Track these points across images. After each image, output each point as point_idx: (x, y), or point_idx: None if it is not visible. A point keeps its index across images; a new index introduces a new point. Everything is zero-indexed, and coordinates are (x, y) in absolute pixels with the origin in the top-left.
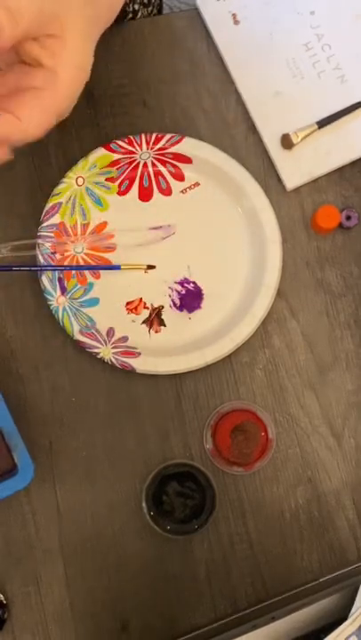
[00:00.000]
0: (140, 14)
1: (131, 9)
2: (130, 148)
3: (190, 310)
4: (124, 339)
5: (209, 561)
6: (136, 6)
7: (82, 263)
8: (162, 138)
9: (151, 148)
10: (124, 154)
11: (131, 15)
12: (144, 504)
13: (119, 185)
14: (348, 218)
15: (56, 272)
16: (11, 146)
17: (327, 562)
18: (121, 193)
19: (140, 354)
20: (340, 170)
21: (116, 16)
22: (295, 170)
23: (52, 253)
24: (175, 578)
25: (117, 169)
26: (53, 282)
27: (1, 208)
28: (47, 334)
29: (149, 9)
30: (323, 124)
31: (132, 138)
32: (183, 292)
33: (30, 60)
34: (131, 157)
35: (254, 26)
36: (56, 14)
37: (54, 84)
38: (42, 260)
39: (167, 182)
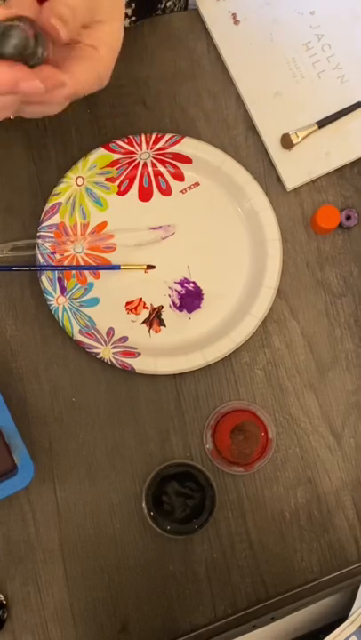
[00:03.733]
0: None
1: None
2: (130, 148)
3: (190, 310)
4: (124, 339)
5: (209, 561)
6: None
7: (82, 263)
8: (162, 138)
9: (151, 148)
10: (123, 154)
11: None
12: (144, 504)
13: (119, 185)
14: (348, 218)
15: (56, 272)
16: (66, 98)
17: (327, 562)
18: (121, 193)
19: (139, 354)
20: (340, 170)
21: None
22: (295, 170)
23: (51, 253)
24: (175, 578)
25: (117, 169)
26: (53, 282)
27: (1, 208)
28: (47, 334)
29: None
30: (323, 123)
31: (131, 138)
32: (183, 292)
33: (71, 41)
34: (131, 157)
35: (254, 26)
36: (93, 10)
37: (97, 54)
38: (42, 260)
39: (167, 182)
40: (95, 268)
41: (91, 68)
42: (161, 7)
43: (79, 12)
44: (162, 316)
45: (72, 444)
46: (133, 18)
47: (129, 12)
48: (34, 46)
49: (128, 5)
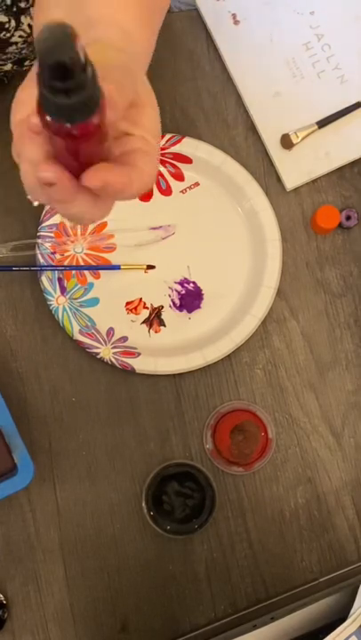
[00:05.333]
0: None
1: None
2: None
3: (190, 310)
4: (124, 339)
5: (209, 561)
6: None
7: (82, 263)
8: (162, 138)
9: None
10: None
11: None
12: (144, 504)
13: None
14: (348, 218)
15: (56, 272)
16: (124, 198)
17: (327, 562)
18: None
19: (139, 354)
20: (340, 170)
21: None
22: (295, 170)
23: (52, 253)
24: (175, 578)
25: None
26: (53, 282)
27: (1, 208)
28: (47, 334)
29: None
30: (323, 124)
31: None
32: (183, 292)
33: (117, 134)
34: None
35: (254, 26)
36: (135, 89)
37: (149, 145)
38: (42, 260)
39: (167, 182)
40: (95, 268)
41: (150, 162)
42: None
43: (126, 88)
44: (162, 316)
45: (72, 443)
46: None
47: None
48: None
49: None
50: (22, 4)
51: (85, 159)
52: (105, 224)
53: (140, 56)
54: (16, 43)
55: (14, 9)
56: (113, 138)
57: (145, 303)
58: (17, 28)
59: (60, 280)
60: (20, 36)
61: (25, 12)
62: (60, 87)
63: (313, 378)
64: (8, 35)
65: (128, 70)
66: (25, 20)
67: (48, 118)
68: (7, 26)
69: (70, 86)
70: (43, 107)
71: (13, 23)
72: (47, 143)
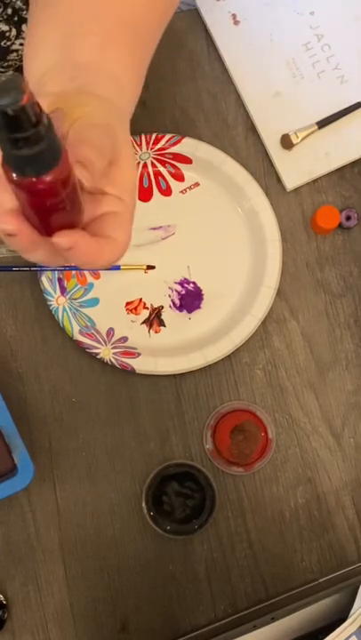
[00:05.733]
0: None
1: None
2: None
3: (190, 310)
4: (124, 339)
5: (209, 561)
6: None
7: None
8: (162, 138)
9: (151, 149)
10: None
11: None
12: (144, 504)
13: None
14: (348, 218)
15: (56, 272)
16: (94, 268)
17: (327, 562)
18: None
19: (139, 354)
20: (340, 170)
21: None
22: (295, 170)
23: None
24: (175, 578)
25: None
26: (53, 282)
27: None
28: (47, 334)
29: None
30: (323, 124)
31: (131, 138)
32: (183, 292)
33: (94, 190)
34: None
35: (254, 26)
36: (115, 147)
37: (124, 206)
38: None
39: (167, 182)
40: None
41: (124, 230)
42: None
43: (105, 149)
44: (162, 316)
45: (72, 443)
46: None
47: None
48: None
49: None
50: (23, 14)
51: (49, 214)
52: None
53: (125, 104)
54: (17, 50)
55: (15, 18)
56: (88, 194)
57: (145, 303)
58: (17, 36)
59: (60, 280)
60: (20, 44)
61: (26, 20)
62: (10, 137)
63: (313, 378)
64: (9, 43)
65: (110, 129)
66: (26, 28)
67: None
68: (8, 34)
69: (20, 137)
70: (3, 157)
71: (14, 32)
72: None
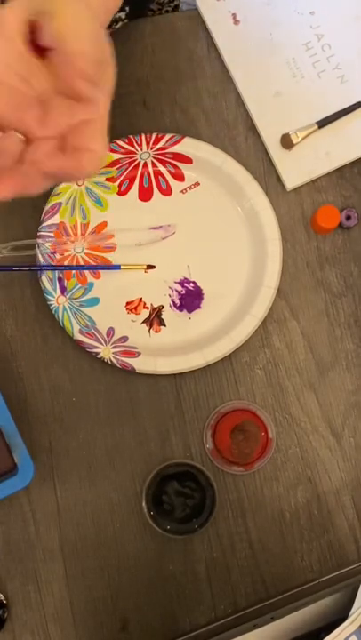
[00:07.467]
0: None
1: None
2: (130, 147)
3: (190, 310)
4: (124, 339)
5: (209, 560)
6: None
7: (82, 263)
8: (162, 138)
9: (151, 148)
10: (124, 154)
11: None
12: (144, 504)
13: (119, 185)
14: (348, 218)
15: (56, 272)
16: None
17: (327, 561)
18: (121, 193)
19: (139, 354)
20: (340, 170)
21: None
22: (295, 170)
23: (52, 253)
24: (175, 577)
25: (117, 169)
26: (53, 282)
27: (1, 208)
28: (47, 334)
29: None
30: (323, 123)
31: (132, 138)
32: (183, 291)
33: (70, 93)
34: (131, 157)
35: (254, 26)
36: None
37: (99, 113)
38: (42, 260)
39: (167, 182)
40: (95, 268)
41: (99, 139)
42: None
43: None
44: (162, 316)
45: (72, 443)
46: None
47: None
48: None
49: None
50: None
51: None
52: (105, 224)
53: (98, 11)
54: None
55: None
56: (64, 99)
57: (145, 303)
58: None
59: (60, 280)
60: None
61: None
62: None
63: (313, 378)
64: None
65: (98, 30)
66: None
67: None
68: None
69: None
70: None
71: None
72: None
